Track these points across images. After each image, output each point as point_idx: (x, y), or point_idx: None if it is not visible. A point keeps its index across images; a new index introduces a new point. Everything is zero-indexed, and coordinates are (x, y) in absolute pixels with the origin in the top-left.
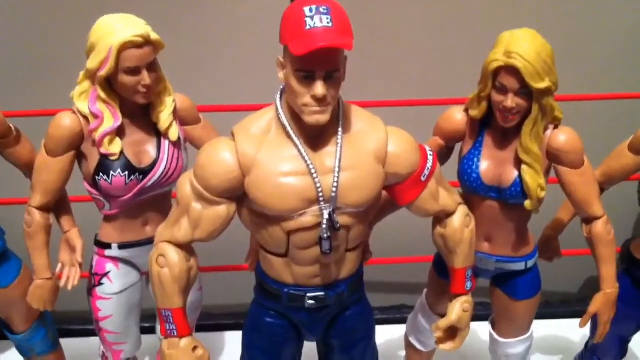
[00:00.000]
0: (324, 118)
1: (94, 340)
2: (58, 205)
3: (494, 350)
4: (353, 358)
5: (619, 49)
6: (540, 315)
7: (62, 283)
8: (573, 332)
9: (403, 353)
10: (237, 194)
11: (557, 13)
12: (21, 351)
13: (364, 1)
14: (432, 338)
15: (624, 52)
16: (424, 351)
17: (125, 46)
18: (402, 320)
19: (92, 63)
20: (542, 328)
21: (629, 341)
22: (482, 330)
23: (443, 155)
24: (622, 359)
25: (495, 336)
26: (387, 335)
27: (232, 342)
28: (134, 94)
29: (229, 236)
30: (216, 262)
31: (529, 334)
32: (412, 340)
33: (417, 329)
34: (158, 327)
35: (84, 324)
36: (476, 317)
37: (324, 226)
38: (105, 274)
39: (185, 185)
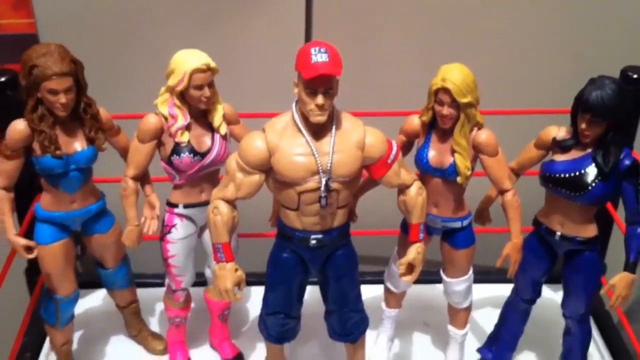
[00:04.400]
0: (323, 119)
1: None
2: (143, 178)
3: (445, 290)
4: (341, 287)
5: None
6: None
7: (145, 229)
8: (507, 290)
9: None
10: (266, 168)
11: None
12: (106, 284)
13: (365, 29)
14: (401, 281)
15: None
16: (396, 292)
17: (195, 71)
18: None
19: (172, 82)
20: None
21: (541, 283)
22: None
23: (405, 148)
24: (537, 298)
25: (444, 277)
26: (378, 291)
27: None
28: (198, 102)
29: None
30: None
31: (468, 276)
32: (388, 284)
33: (390, 275)
34: (207, 270)
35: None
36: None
37: (322, 188)
38: (173, 225)
39: (232, 161)
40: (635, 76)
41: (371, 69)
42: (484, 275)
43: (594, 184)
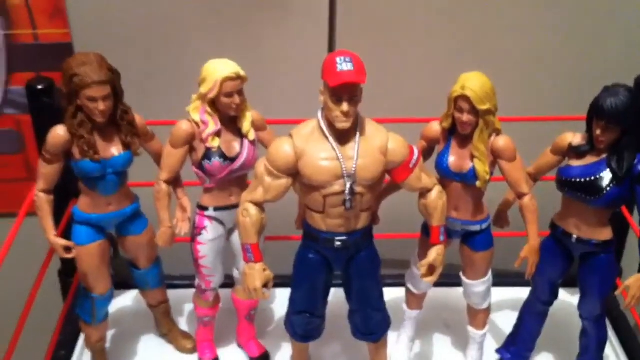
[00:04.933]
0: (347, 125)
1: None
2: (175, 182)
3: (464, 291)
4: (364, 286)
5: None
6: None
7: (177, 230)
8: (526, 293)
9: None
10: (293, 172)
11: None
12: (139, 284)
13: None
14: (422, 282)
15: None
16: (417, 293)
17: (225, 80)
18: None
19: (203, 89)
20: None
21: (558, 285)
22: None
23: (426, 154)
24: (555, 300)
25: (464, 279)
26: (400, 294)
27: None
28: (228, 109)
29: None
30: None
31: (487, 278)
32: (409, 285)
33: (411, 277)
34: (235, 271)
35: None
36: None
37: (347, 192)
38: (204, 227)
39: (261, 166)
40: None
41: (393, 77)
42: (504, 279)
43: (608, 188)
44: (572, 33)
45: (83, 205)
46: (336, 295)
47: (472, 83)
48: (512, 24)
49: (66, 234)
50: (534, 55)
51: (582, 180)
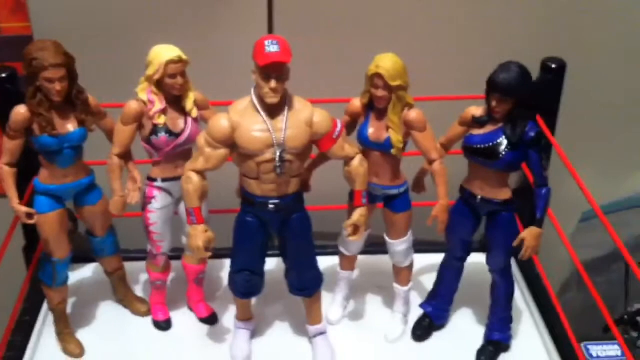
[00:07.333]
0: (276, 100)
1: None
2: (126, 156)
3: (388, 251)
4: (297, 246)
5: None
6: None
7: (128, 199)
8: None
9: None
10: (230, 143)
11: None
12: (96, 252)
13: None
14: (352, 245)
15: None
16: (348, 255)
17: (169, 63)
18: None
19: (150, 71)
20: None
21: (469, 243)
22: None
23: (350, 127)
24: (467, 256)
25: (387, 239)
26: (335, 261)
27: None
28: (172, 89)
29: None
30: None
31: (407, 237)
32: (341, 248)
33: (342, 241)
34: (183, 238)
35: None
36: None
37: (277, 159)
38: (153, 197)
39: (201, 138)
40: (554, 66)
41: (325, 62)
42: (427, 246)
43: (504, 153)
44: (482, 20)
45: (43, 177)
46: (276, 264)
47: (385, 62)
48: (434, 16)
49: (29, 206)
50: (447, 42)
51: (482, 146)
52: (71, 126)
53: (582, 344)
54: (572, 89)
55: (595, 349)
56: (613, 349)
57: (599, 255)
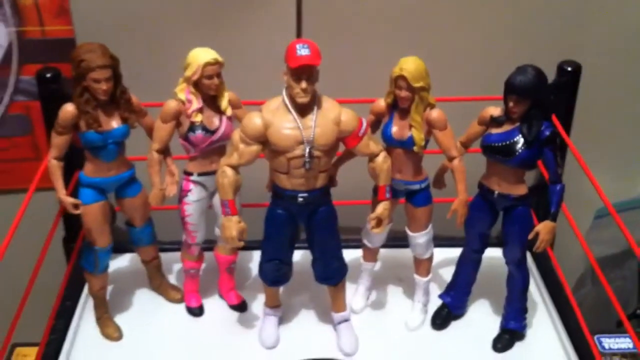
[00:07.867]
0: (306, 100)
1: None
2: (165, 152)
3: (410, 243)
4: (323, 237)
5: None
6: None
7: (166, 192)
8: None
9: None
10: (262, 140)
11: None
12: (134, 241)
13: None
14: (375, 237)
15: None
16: (371, 247)
17: (206, 65)
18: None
19: (188, 73)
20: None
21: (487, 236)
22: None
23: (374, 126)
24: (485, 249)
25: (408, 232)
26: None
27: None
28: (208, 90)
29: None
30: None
31: (427, 230)
32: (365, 241)
33: (366, 233)
34: (216, 230)
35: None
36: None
37: (306, 155)
38: (189, 190)
39: (236, 135)
40: (569, 69)
41: (352, 63)
42: (446, 241)
43: (520, 151)
44: (503, 24)
45: (88, 170)
46: (303, 255)
47: (408, 65)
48: (455, 23)
49: (74, 197)
50: (469, 46)
51: (500, 144)
52: (115, 123)
53: (595, 336)
54: (588, 90)
55: (608, 341)
56: (625, 342)
57: (612, 252)
